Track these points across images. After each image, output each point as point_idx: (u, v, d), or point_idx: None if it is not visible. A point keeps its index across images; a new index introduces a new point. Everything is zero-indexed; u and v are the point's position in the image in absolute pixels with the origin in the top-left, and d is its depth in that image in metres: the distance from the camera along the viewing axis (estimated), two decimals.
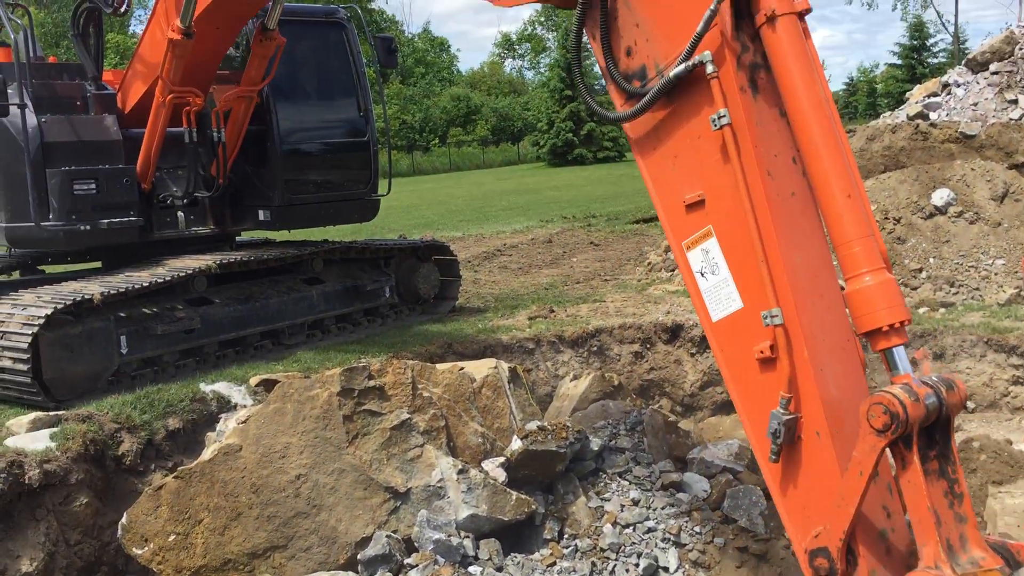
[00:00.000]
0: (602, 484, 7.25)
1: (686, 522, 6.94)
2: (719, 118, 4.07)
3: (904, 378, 3.88)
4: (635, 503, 7.06)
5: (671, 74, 4.19)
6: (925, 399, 3.85)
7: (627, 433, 7.80)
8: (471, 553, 6.25)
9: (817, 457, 4.19)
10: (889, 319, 3.89)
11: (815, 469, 4.22)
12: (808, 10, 4.17)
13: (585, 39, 4.70)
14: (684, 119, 4.30)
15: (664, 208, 4.51)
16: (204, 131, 9.81)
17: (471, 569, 6.06)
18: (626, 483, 7.27)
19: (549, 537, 6.74)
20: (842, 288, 4.16)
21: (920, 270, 11.55)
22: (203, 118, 9.77)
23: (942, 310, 10.58)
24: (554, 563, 6.52)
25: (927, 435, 3.91)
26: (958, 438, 7.31)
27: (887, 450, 3.86)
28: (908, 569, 4.39)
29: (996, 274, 11.24)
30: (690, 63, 4.11)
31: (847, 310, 4.19)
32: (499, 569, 6.28)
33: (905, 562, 4.41)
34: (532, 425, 7.11)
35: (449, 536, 6.21)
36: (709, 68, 4.04)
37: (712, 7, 4.00)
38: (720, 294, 4.37)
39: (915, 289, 11.33)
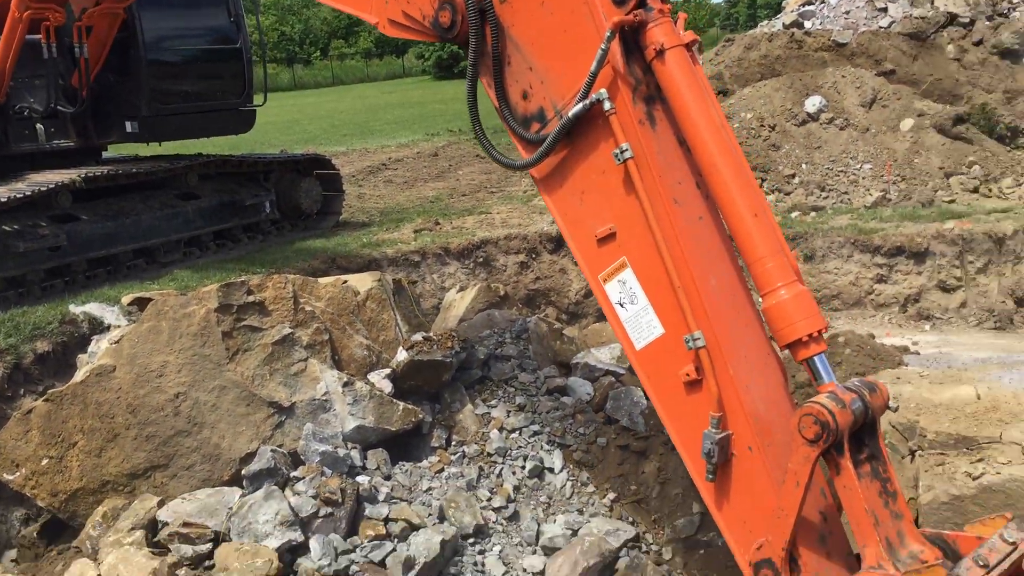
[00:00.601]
0: (488, 391, 7.34)
1: (570, 424, 7.11)
2: (621, 152, 4.12)
3: (829, 387, 4.00)
4: (521, 408, 7.19)
5: (570, 114, 4.20)
6: (851, 405, 3.98)
7: (512, 341, 7.89)
8: (359, 463, 6.27)
9: (751, 471, 4.31)
10: (807, 329, 4.00)
11: (750, 483, 4.34)
12: (695, 41, 4.24)
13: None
14: (587, 156, 4.35)
15: (576, 243, 4.55)
16: (64, 45, 9.21)
17: (359, 479, 6.08)
18: (512, 389, 7.38)
19: (437, 445, 6.81)
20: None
21: (793, 176, 11.90)
22: (63, 31, 9.16)
23: (813, 214, 10.97)
24: (442, 470, 6.61)
25: (856, 439, 4.06)
26: (826, 335, 7.66)
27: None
28: (849, 568, 4.63)
29: (864, 178, 11.68)
30: (587, 102, 4.13)
31: (765, 325, 4.33)
32: (387, 478, 6.33)
33: (845, 562, 4.64)
34: (418, 336, 7.10)
35: (336, 448, 6.20)
36: (607, 105, 4.07)
37: (603, 46, 4.00)
38: (641, 322, 4.44)
39: (788, 194, 11.70)
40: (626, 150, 4.11)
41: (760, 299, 4.13)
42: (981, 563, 3.78)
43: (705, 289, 4.18)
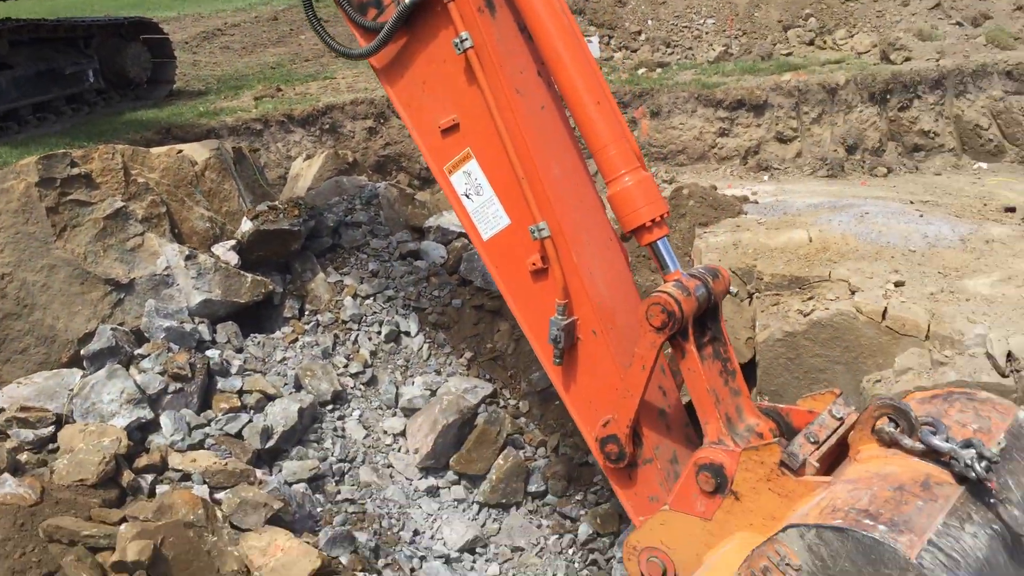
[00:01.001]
0: (340, 259, 7.22)
1: (425, 288, 7.11)
2: (461, 42, 3.99)
3: (675, 275, 4.10)
4: (374, 275, 7.12)
5: (407, 1, 4.05)
6: (695, 292, 4.06)
7: (363, 208, 7.74)
8: (208, 338, 6.10)
9: (595, 354, 4.43)
10: (650, 214, 4.05)
11: (595, 365, 4.47)
12: None
13: None
14: (427, 45, 4.22)
15: (420, 135, 4.44)
16: None
17: (209, 353, 5.93)
18: (364, 256, 7.28)
19: (290, 315, 6.69)
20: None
21: (639, 33, 11.91)
22: None
23: (659, 70, 11.06)
24: (296, 340, 6.52)
25: (699, 322, 4.15)
26: (670, 189, 7.85)
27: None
28: (687, 438, 4.80)
29: (707, 33, 11.81)
30: None
31: (608, 212, 4.34)
32: (239, 351, 6.20)
33: (683, 432, 4.80)
34: (262, 206, 6.86)
35: (182, 323, 6.00)
36: None
37: None
38: (487, 213, 4.42)
39: (635, 51, 11.73)
40: (466, 39, 4.01)
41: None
42: (812, 440, 4.01)
43: (549, 179, 4.19)
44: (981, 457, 3.48)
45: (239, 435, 5.57)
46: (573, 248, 4.26)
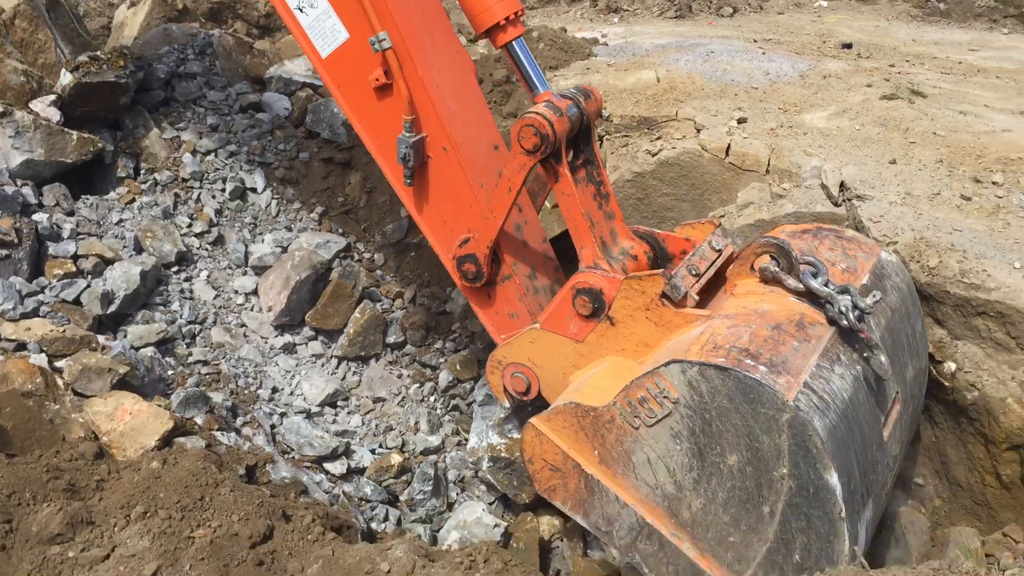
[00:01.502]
0: (175, 114, 6.80)
1: (269, 141, 6.82)
2: None
3: (545, 96, 3.95)
4: (214, 129, 6.76)
5: None
6: (568, 112, 3.90)
7: (196, 58, 7.26)
8: (33, 201, 5.69)
9: (447, 172, 4.27)
10: (504, 12, 3.88)
11: (447, 184, 4.32)
12: None
13: None
14: None
15: None
16: None
17: (36, 217, 5.54)
18: (201, 110, 6.89)
19: (124, 175, 6.31)
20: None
21: None
22: None
23: None
24: (133, 200, 6.17)
25: (572, 144, 4.02)
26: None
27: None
28: (544, 255, 4.74)
29: None
30: None
31: (460, 17, 4.12)
32: (70, 214, 5.83)
33: (541, 247, 4.73)
34: (83, 57, 6.33)
35: (2, 186, 5.57)
36: None
37: None
38: (324, 28, 4.13)
39: None
40: None
41: None
42: (694, 272, 4.10)
43: None
44: (855, 307, 3.66)
45: (77, 302, 5.30)
46: (417, 59, 4.09)
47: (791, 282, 3.83)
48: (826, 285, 3.76)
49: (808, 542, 3.47)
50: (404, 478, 5.61)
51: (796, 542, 3.49)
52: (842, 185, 5.32)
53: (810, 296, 3.81)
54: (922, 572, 2.69)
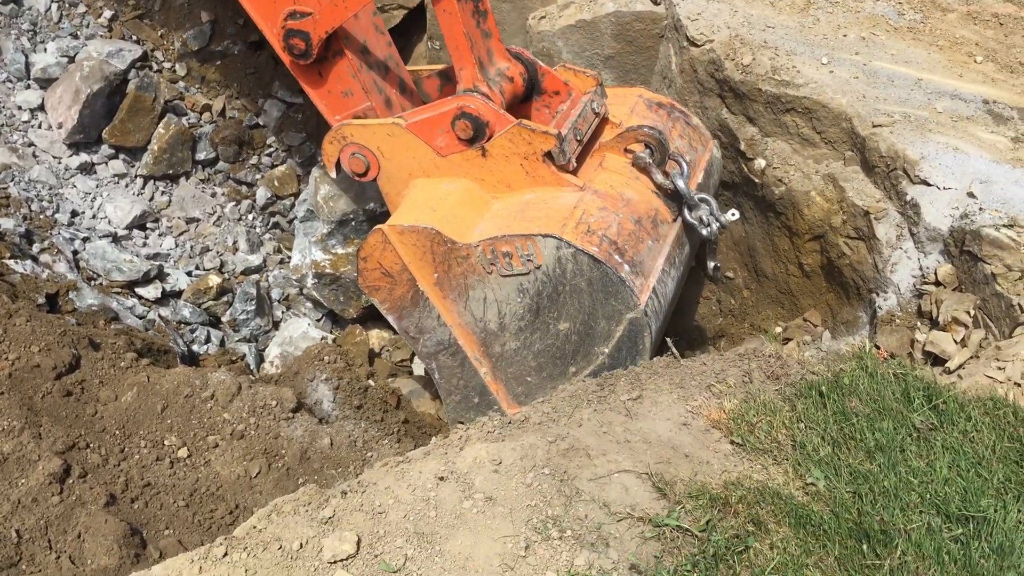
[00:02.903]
0: None
1: None
2: None
3: None
4: None
5: None
6: None
7: None
8: None
9: None
10: None
11: None
12: None
13: None
14: None
15: None
16: None
17: None
18: None
19: None
20: None
21: None
22: None
23: None
24: None
25: None
26: None
27: None
28: (375, 30, 4.52)
29: None
30: None
31: None
32: None
33: (371, 20, 4.51)
34: None
35: None
36: None
37: None
38: None
39: None
40: None
41: None
42: (579, 138, 4.16)
43: None
44: (717, 220, 4.02)
45: None
46: None
47: (659, 178, 4.11)
48: (687, 189, 4.05)
49: None
50: (225, 299, 5.43)
51: None
52: None
53: (665, 191, 4.13)
54: (728, 357, 2.82)
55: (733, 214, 4.09)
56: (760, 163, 4.84)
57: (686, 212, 4.07)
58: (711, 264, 4.30)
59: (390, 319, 4.22)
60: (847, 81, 4.61)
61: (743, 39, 4.85)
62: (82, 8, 5.95)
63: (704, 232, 4.03)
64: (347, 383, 4.53)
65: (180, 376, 4.08)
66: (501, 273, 3.90)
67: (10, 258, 4.56)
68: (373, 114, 4.48)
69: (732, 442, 2.50)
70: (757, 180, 4.86)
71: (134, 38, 5.95)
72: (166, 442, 3.82)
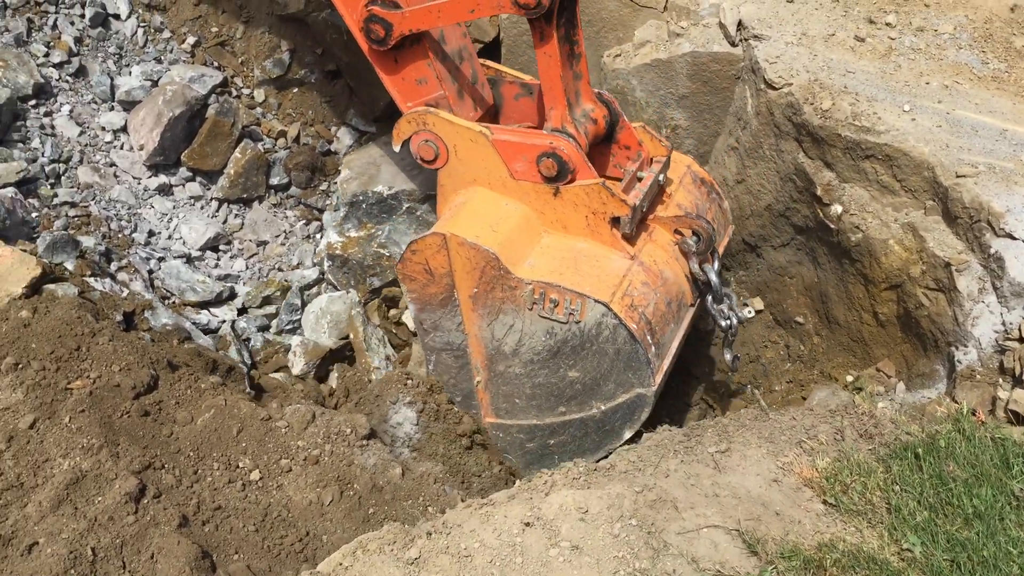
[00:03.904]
0: None
1: None
2: None
3: None
4: None
5: None
6: None
7: None
8: None
9: None
10: None
11: None
12: None
13: None
14: None
15: None
16: None
17: None
18: None
19: None
20: None
21: None
22: None
23: None
24: None
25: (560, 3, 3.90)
26: None
27: None
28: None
29: None
30: None
31: None
32: None
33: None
34: None
35: None
36: None
37: None
38: None
39: None
40: None
41: None
42: (643, 208, 4.31)
43: None
44: (736, 315, 4.33)
45: None
46: None
47: (695, 267, 4.38)
48: (720, 283, 4.37)
49: (567, 443, 4.49)
50: (273, 308, 5.60)
51: (563, 435, 4.48)
52: (740, 24, 5.22)
53: (697, 279, 4.42)
54: (818, 412, 2.78)
55: (750, 312, 4.67)
56: (837, 209, 4.78)
57: (710, 302, 4.37)
58: (728, 356, 4.54)
59: (411, 307, 4.48)
60: (930, 129, 4.55)
61: (822, 83, 4.81)
62: (167, 34, 6.09)
63: (723, 323, 4.33)
64: (430, 407, 4.65)
65: (255, 405, 4.12)
66: (540, 314, 4.12)
67: (91, 276, 4.66)
68: (445, 103, 4.51)
69: (825, 502, 2.46)
70: (833, 226, 4.80)
71: (215, 64, 6.08)
72: (240, 464, 3.85)
